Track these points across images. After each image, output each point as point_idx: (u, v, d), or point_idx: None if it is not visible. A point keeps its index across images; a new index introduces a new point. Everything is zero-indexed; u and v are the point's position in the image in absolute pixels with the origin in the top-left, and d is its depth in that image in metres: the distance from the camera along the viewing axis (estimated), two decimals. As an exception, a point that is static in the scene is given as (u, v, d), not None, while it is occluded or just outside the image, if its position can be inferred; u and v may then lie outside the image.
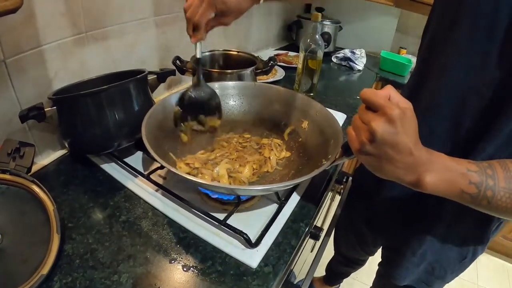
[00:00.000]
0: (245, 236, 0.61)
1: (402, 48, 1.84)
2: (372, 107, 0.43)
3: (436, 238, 0.73)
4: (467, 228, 0.70)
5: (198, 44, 0.72)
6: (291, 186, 0.74)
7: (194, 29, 0.68)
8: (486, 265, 1.87)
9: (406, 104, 0.43)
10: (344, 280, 1.57)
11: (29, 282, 0.52)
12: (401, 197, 0.75)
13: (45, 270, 0.54)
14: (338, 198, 1.00)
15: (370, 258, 1.27)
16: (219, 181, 0.70)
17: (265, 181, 0.75)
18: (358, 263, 1.36)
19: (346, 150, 0.56)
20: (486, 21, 0.52)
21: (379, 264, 1.05)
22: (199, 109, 0.81)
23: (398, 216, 0.79)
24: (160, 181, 0.75)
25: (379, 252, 1.07)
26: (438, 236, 0.73)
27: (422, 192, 0.46)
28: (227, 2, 0.65)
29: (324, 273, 1.57)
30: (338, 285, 1.62)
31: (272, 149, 0.82)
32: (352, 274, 1.50)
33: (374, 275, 1.15)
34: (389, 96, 0.43)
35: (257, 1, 0.69)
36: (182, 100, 0.79)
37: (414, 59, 1.71)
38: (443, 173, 0.45)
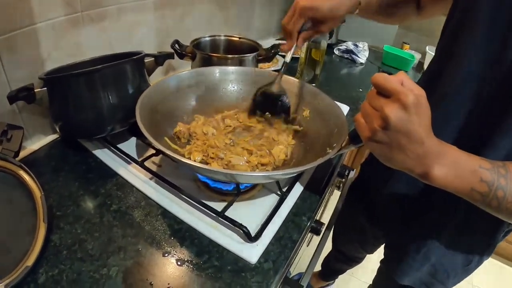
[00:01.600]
0: (244, 229, 0.58)
1: (405, 43, 1.81)
2: (384, 93, 0.41)
3: (442, 240, 0.71)
4: (476, 233, 0.68)
5: (290, 51, 0.73)
6: (294, 175, 0.71)
7: (289, 36, 0.70)
8: (482, 265, 1.85)
9: (420, 91, 0.40)
10: (340, 276, 1.56)
11: (12, 274, 0.49)
12: (408, 194, 0.72)
13: (30, 261, 0.51)
14: (336, 192, 0.97)
15: (367, 255, 1.26)
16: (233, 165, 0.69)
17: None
18: (356, 260, 1.35)
19: (354, 138, 0.53)
20: (507, 10, 0.50)
21: (381, 262, 1.03)
22: (270, 106, 0.81)
23: (403, 213, 0.77)
24: (154, 168, 0.72)
25: (378, 250, 1.06)
26: (444, 237, 0.71)
27: (431, 185, 0.44)
28: (319, 9, 0.66)
29: (319, 268, 1.55)
30: (333, 281, 1.60)
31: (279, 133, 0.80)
32: (348, 271, 1.49)
33: (370, 272, 1.13)
34: (402, 82, 0.40)
35: (354, 8, 0.70)
36: (255, 94, 0.81)
37: (417, 55, 1.69)
38: (453, 167, 0.43)
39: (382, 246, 1.02)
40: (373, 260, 1.09)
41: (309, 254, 0.84)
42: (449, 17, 0.64)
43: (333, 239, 1.30)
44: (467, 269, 0.75)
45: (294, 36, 0.70)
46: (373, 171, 0.87)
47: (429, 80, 0.67)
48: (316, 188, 0.74)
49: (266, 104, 0.81)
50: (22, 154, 0.72)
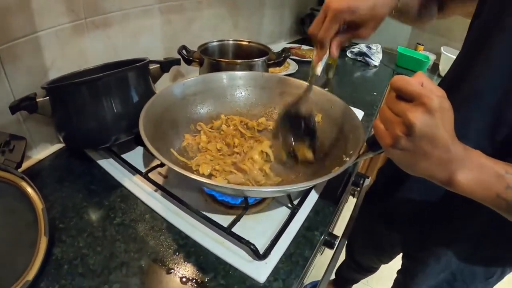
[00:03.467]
0: (252, 247, 0.54)
1: (419, 44, 1.78)
2: (405, 97, 0.38)
3: (462, 250, 0.68)
4: (498, 243, 0.65)
5: (320, 62, 0.63)
6: (307, 187, 0.68)
7: (319, 46, 0.59)
8: (506, 278, 1.78)
9: (441, 93, 0.38)
10: (354, 285, 1.52)
11: None
12: (426, 201, 0.69)
13: (31, 275, 0.49)
14: (351, 200, 0.94)
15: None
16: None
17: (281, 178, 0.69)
18: (371, 270, 1.31)
19: (372, 145, 0.50)
20: None
21: (398, 272, 0.99)
22: (295, 128, 0.71)
23: (422, 221, 0.73)
24: (160, 180, 0.69)
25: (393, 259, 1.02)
26: (465, 247, 0.68)
27: (450, 192, 0.42)
28: (358, 10, 0.55)
29: (333, 276, 1.51)
30: (347, 291, 1.56)
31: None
32: (363, 280, 1.45)
33: (385, 281, 1.09)
34: (422, 83, 0.38)
35: (395, 3, 0.59)
36: (285, 114, 0.71)
37: (431, 56, 1.66)
38: (478, 173, 0.41)
39: (398, 256, 0.98)
40: (388, 268, 1.05)
41: (321, 262, 0.80)
42: (477, 12, 0.61)
43: (348, 249, 1.26)
44: (487, 283, 0.72)
45: (327, 45, 0.58)
46: (390, 177, 0.83)
47: (451, 82, 0.63)
48: (330, 200, 0.70)
49: (292, 125, 0.71)
50: (27, 164, 0.71)
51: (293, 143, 0.71)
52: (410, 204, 0.73)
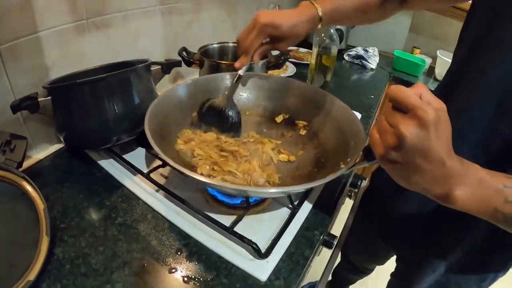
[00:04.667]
0: (254, 245, 0.55)
1: (416, 47, 1.79)
2: (401, 108, 0.37)
3: (459, 256, 0.68)
4: (493, 251, 0.65)
5: (244, 66, 0.72)
6: (305, 190, 0.69)
7: (244, 53, 0.68)
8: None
9: (440, 105, 0.36)
10: (350, 286, 1.53)
11: None
12: (420, 207, 0.69)
13: (32, 275, 0.49)
14: (348, 201, 0.94)
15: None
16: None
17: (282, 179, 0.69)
18: (365, 272, 1.32)
19: (368, 154, 0.49)
20: None
21: (392, 275, 0.99)
22: (216, 121, 0.77)
23: (416, 227, 0.73)
24: (161, 180, 0.69)
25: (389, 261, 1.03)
26: (462, 254, 0.68)
27: (450, 207, 0.41)
28: (280, 28, 0.65)
29: (329, 278, 1.52)
30: (343, 292, 1.57)
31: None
32: (359, 280, 1.45)
33: (381, 282, 1.10)
34: (420, 95, 0.37)
35: (315, 25, 0.68)
36: (202, 106, 0.76)
37: (428, 60, 1.67)
38: (476, 187, 0.39)
39: (392, 258, 0.98)
40: (385, 270, 1.06)
41: (318, 263, 0.81)
42: (467, 24, 0.61)
43: (343, 250, 1.26)
44: (480, 286, 0.72)
45: (250, 53, 0.68)
46: (383, 182, 0.83)
47: (444, 92, 0.63)
48: (328, 201, 0.71)
49: (213, 119, 0.77)
50: (27, 163, 0.71)
51: (220, 133, 0.77)
52: (403, 211, 0.74)
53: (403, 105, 0.36)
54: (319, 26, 0.69)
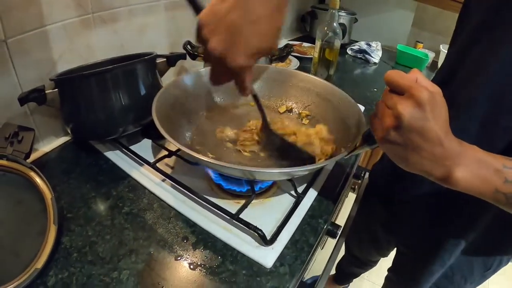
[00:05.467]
0: (259, 232, 0.55)
1: (419, 42, 1.78)
2: (397, 90, 0.39)
3: (462, 247, 0.68)
4: (497, 240, 0.66)
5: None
6: (308, 171, 0.69)
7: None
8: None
9: (435, 88, 0.38)
10: (354, 279, 1.54)
11: (21, 277, 0.48)
12: (424, 199, 0.69)
13: (40, 264, 0.50)
14: (351, 195, 0.94)
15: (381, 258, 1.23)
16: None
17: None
18: (370, 264, 1.32)
19: (368, 139, 0.50)
20: None
21: (389, 270, 0.99)
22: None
23: (420, 220, 0.73)
24: (167, 170, 0.70)
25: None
26: (465, 244, 0.68)
27: (451, 189, 0.41)
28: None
29: (333, 272, 1.52)
30: (347, 285, 1.58)
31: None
32: (363, 274, 1.47)
33: (385, 275, 1.09)
34: (416, 79, 0.38)
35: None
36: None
37: (431, 54, 1.66)
38: (475, 168, 0.40)
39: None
40: (389, 263, 1.06)
41: (322, 257, 0.81)
42: (462, 17, 0.61)
43: (346, 243, 1.26)
44: (485, 274, 0.72)
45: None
46: (383, 174, 0.84)
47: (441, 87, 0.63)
48: (332, 189, 0.71)
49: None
50: (34, 156, 0.72)
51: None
52: (408, 205, 0.74)
53: (399, 87, 0.38)
54: None
